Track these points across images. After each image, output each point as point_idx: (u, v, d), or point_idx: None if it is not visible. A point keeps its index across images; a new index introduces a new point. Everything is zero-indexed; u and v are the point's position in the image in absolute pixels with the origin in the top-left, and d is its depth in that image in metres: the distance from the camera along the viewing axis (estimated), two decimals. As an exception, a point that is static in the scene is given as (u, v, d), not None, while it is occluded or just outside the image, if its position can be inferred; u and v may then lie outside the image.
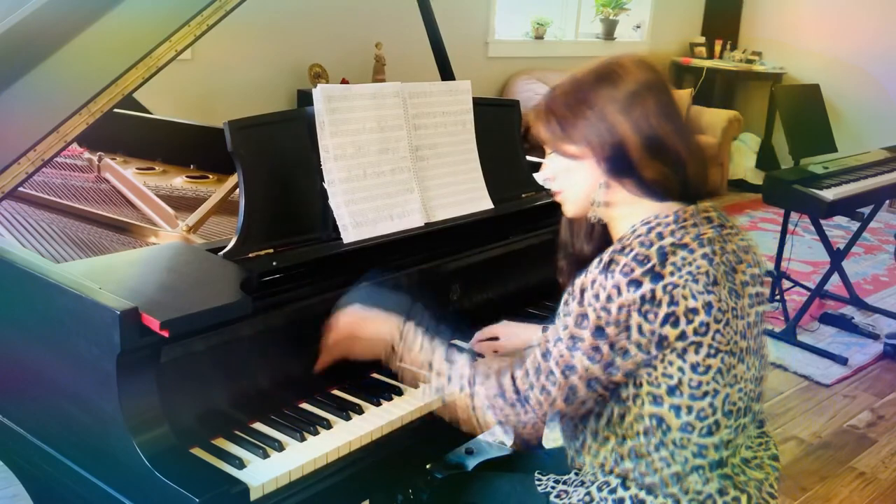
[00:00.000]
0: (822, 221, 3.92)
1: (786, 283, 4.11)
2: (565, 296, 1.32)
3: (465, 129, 1.90)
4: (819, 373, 3.56)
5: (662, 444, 1.31)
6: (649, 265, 1.24)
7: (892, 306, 4.35)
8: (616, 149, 1.31)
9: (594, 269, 1.28)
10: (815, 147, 4.11)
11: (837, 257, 4.02)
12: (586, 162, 1.34)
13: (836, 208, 3.60)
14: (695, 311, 1.24)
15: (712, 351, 1.27)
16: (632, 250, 1.26)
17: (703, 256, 1.28)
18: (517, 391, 1.33)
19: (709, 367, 1.27)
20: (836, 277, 4.15)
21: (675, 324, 1.24)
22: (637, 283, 1.23)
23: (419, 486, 1.79)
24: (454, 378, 1.40)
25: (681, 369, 1.26)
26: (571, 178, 1.38)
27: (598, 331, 1.24)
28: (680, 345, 1.25)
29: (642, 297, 1.22)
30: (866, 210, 4.21)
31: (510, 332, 1.73)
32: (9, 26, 1.75)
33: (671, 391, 1.28)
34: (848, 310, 4.21)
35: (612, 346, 1.25)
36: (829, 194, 3.55)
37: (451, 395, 1.40)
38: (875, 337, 3.94)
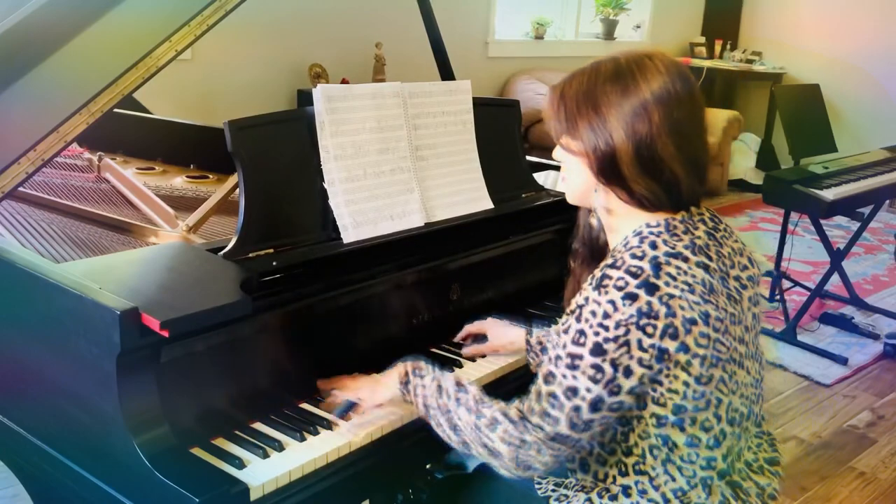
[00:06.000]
0: (822, 221, 3.92)
1: (786, 283, 4.11)
2: (564, 316, 1.29)
3: (466, 128, 1.90)
4: (819, 373, 3.55)
5: (669, 460, 1.29)
6: (643, 276, 1.22)
7: (892, 306, 4.34)
8: (608, 158, 1.28)
9: (588, 287, 1.25)
10: (815, 147, 4.11)
11: (837, 257, 4.02)
12: (581, 161, 1.33)
13: (836, 208, 3.59)
14: (693, 321, 1.22)
15: (714, 361, 1.25)
16: (624, 263, 1.24)
17: (699, 265, 1.26)
18: (521, 412, 1.30)
19: (711, 378, 1.26)
20: (836, 277, 4.14)
21: (675, 335, 1.21)
22: (632, 296, 1.21)
23: (419, 486, 1.79)
24: (462, 399, 1.36)
25: (686, 383, 1.24)
26: (570, 172, 1.37)
27: (597, 349, 1.21)
28: (683, 357, 1.23)
29: (639, 311, 1.20)
30: (866, 210, 4.20)
31: (498, 333, 1.72)
32: (9, 26, 1.76)
33: (677, 409, 1.26)
34: (848, 310, 4.21)
35: (613, 363, 1.21)
36: (829, 194, 3.54)
37: (458, 416, 1.35)
38: (875, 337, 3.94)
